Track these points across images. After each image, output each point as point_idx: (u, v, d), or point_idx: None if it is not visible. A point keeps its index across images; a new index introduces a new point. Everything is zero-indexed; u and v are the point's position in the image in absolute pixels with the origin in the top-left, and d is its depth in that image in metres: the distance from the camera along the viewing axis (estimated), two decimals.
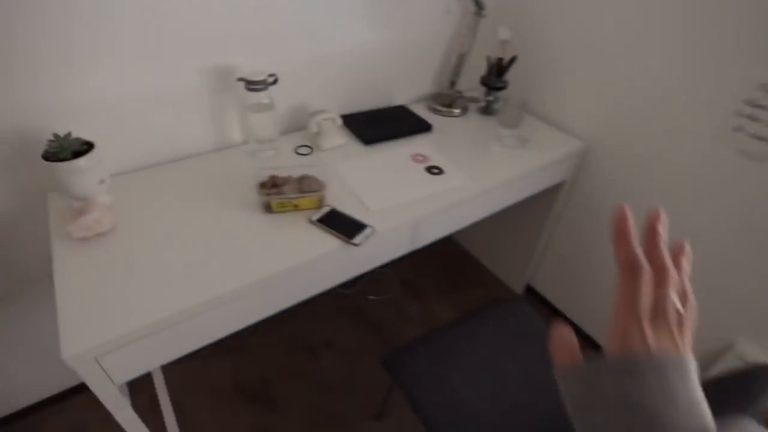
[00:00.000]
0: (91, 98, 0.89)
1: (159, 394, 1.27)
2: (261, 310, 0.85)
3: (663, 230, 0.32)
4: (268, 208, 0.90)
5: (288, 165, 0.97)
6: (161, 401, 1.25)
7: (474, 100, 1.44)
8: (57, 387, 1.27)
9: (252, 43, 1.03)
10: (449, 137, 1.26)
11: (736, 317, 1.15)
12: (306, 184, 0.92)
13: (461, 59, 1.37)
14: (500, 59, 1.33)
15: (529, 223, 1.60)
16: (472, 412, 0.93)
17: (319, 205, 0.92)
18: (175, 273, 0.76)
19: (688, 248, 0.33)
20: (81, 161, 0.82)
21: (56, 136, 0.82)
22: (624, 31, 1.15)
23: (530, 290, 1.77)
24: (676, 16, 1.04)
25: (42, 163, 0.80)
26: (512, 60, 1.33)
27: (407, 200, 0.98)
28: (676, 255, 0.32)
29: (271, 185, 0.91)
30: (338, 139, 1.16)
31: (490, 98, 1.40)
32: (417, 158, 1.14)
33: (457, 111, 1.39)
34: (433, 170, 1.10)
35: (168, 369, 1.36)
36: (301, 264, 0.81)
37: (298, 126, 1.21)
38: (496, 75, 1.35)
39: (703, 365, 1.22)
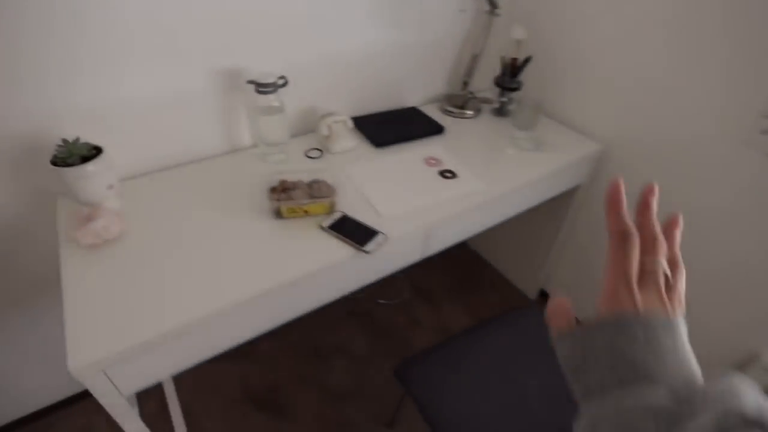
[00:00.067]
0: (101, 102, 0.88)
1: (169, 402, 1.25)
2: (272, 319, 0.83)
3: (654, 203, 0.33)
4: (278, 214, 0.88)
5: (298, 169, 0.95)
6: (171, 409, 1.24)
7: (487, 101, 1.41)
8: (65, 391, 1.27)
9: (262, 44, 1.01)
10: (462, 140, 1.23)
11: (762, 328, 1.10)
12: (317, 189, 0.90)
13: (474, 59, 1.34)
14: (515, 59, 1.30)
15: (543, 227, 1.56)
16: (487, 426, 0.90)
17: (330, 210, 0.90)
18: (184, 282, 0.74)
19: (680, 220, 0.35)
20: (89, 166, 0.80)
21: (65, 141, 0.81)
22: (646, 30, 1.10)
23: (544, 295, 1.73)
24: (703, 15, 0.99)
25: (51, 168, 0.79)
26: (527, 60, 1.29)
27: (420, 206, 0.96)
28: (669, 226, 0.34)
29: (281, 190, 0.89)
30: (349, 141, 1.14)
31: (504, 99, 1.36)
32: (430, 162, 1.11)
33: (470, 112, 1.36)
34: (446, 174, 1.07)
35: (177, 375, 1.35)
36: (311, 273, 0.79)
37: (309, 128, 1.19)
38: (511, 75, 1.32)
39: None
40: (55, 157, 0.80)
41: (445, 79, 1.44)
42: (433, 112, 1.35)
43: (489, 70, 1.36)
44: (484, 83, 1.42)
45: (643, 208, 0.34)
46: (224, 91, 1.02)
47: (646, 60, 1.13)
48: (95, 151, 0.83)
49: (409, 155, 1.13)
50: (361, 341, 1.54)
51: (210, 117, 1.04)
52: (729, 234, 1.09)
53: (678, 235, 0.34)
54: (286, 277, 0.77)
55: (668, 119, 1.13)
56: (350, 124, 1.15)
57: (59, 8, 0.76)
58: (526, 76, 1.32)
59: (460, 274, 1.84)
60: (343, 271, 0.86)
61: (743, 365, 1.14)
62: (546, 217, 1.52)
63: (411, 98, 1.39)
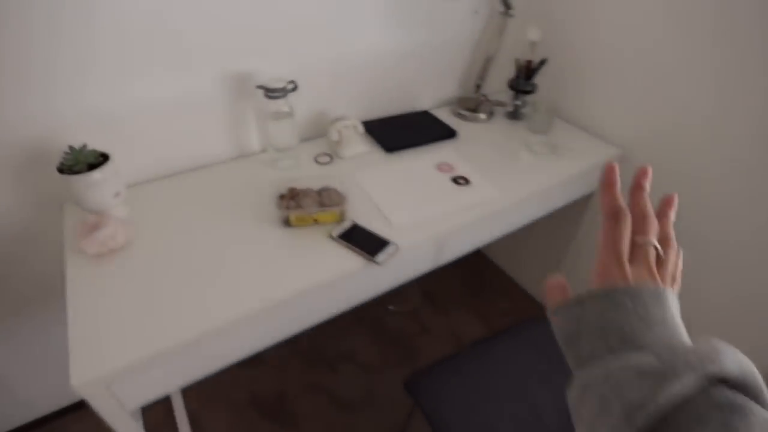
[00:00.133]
0: (108, 107, 0.87)
1: (175, 409, 1.24)
2: (279, 331, 0.81)
3: (647, 185, 0.35)
4: (286, 222, 0.86)
5: (307, 176, 0.93)
6: (177, 416, 1.23)
7: (501, 104, 1.38)
8: (72, 397, 1.27)
9: (271, 47, 0.99)
10: (475, 144, 1.20)
11: None
12: (326, 197, 0.87)
13: (488, 61, 1.30)
14: (529, 61, 1.26)
15: (557, 232, 1.52)
16: None
17: (340, 219, 0.88)
18: (190, 293, 0.72)
19: (675, 200, 0.36)
20: (96, 174, 0.79)
21: (71, 148, 0.79)
22: (670, 30, 1.06)
23: None
24: (732, 11, 0.95)
25: (58, 175, 0.78)
26: (542, 62, 1.26)
27: (432, 214, 0.93)
28: (664, 206, 0.36)
29: (290, 197, 0.87)
30: (360, 146, 1.11)
31: (518, 102, 1.33)
32: (442, 167, 1.08)
33: (482, 116, 1.33)
34: (459, 181, 1.04)
35: None
36: (321, 284, 0.77)
37: (318, 133, 1.17)
38: (525, 78, 1.28)
39: None
40: (61, 164, 0.78)
41: (457, 81, 1.41)
42: (445, 116, 1.32)
43: (502, 73, 1.33)
44: (496, 85, 1.39)
45: (635, 189, 0.35)
46: (233, 96, 1.00)
47: (668, 61, 1.08)
48: (102, 158, 0.82)
49: (421, 161, 1.11)
50: (371, 349, 1.52)
51: (218, 122, 1.02)
52: (754, 249, 1.04)
53: (672, 214, 0.35)
54: (295, 289, 0.74)
55: (691, 123, 1.08)
56: (361, 128, 1.13)
57: (66, 12, 0.74)
58: (540, 78, 1.28)
59: (471, 279, 1.81)
60: (353, 283, 0.84)
61: None
62: (560, 222, 1.48)
63: (423, 101, 1.36)
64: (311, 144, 1.14)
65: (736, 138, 1.01)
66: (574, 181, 1.15)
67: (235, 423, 1.28)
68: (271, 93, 0.94)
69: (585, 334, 0.30)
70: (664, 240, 0.34)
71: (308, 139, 1.16)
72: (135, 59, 0.85)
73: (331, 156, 1.10)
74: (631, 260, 0.32)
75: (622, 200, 0.34)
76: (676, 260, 0.34)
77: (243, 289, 0.73)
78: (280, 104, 0.96)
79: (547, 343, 1.04)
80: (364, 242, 0.83)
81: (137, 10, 0.80)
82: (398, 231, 0.87)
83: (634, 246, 0.33)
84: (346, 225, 0.86)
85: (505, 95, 1.38)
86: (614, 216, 0.33)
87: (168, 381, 0.71)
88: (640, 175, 0.35)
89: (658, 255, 0.33)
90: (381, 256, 0.80)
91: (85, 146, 0.81)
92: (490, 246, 1.87)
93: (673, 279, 0.33)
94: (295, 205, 0.85)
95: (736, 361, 0.25)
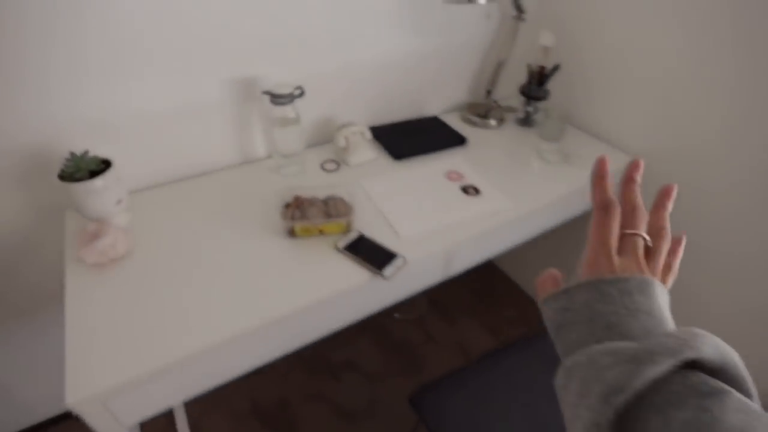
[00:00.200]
0: (111, 112, 0.85)
1: (177, 418, 1.22)
2: (282, 346, 0.78)
3: (638, 177, 0.36)
4: (291, 233, 0.84)
5: (313, 185, 0.91)
6: (179, 425, 1.21)
7: (511, 109, 1.35)
8: None
9: (277, 52, 0.97)
10: (485, 152, 1.17)
11: None
12: (332, 207, 0.85)
13: (499, 66, 1.27)
14: (542, 67, 1.23)
15: (567, 240, 1.49)
16: None
17: (347, 229, 0.85)
18: (191, 306, 0.70)
19: (673, 191, 0.36)
20: (97, 181, 0.77)
21: (72, 154, 0.77)
22: (686, 40, 1.02)
23: None
24: (755, 22, 0.91)
25: (59, 182, 0.76)
26: (555, 68, 1.22)
27: (441, 225, 0.90)
28: (662, 197, 0.36)
29: (296, 207, 0.84)
30: (367, 153, 1.09)
31: (530, 109, 1.30)
32: (451, 176, 1.05)
33: (493, 122, 1.30)
34: (469, 190, 1.01)
35: None
36: (325, 298, 0.74)
37: (325, 139, 1.15)
38: (538, 84, 1.25)
39: None
40: (62, 171, 0.77)
41: (467, 86, 1.38)
42: (455, 121, 1.29)
43: (513, 78, 1.30)
44: (506, 91, 1.35)
45: (626, 181, 0.36)
46: (238, 101, 0.98)
47: (680, 71, 1.05)
48: (104, 165, 0.80)
49: (430, 169, 1.08)
50: (375, 357, 1.49)
51: (223, 128, 1.00)
52: None
53: (669, 205, 0.35)
54: (299, 303, 0.72)
55: (708, 132, 1.04)
56: (368, 135, 1.10)
57: (64, 16, 0.72)
58: (553, 84, 1.25)
59: (478, 287, 1.78)
60: (358, 296, 0.81)
61: None
62: (571, 229, 1.44)
63: (431, 106, 1.33)
64: (317, 150, 1.12)
65: (752, 148, 0.97)
66: (587, 190, 1.12)
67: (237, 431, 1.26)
68: (277, 99, 0.92)
69: (572, 324, 0.31)
70: (657, 231, 0.34)
71: (314, 145, 1.13)
72: (138, 63, 0.83)
73: (337, 163, 1.07)
74: (620, 252, 0.32)
75: (612, 193, 0.34)
76: (667, 251, 0.34)
77: (245, 304, 0.71)
78: (286, 110, 0.94)
79: (555, 357, 1.01)
80: (371, 255, 0.80)
81: (140, 14, 0.78)
82: (406, 243, 0.84)
83: (623, 238, 0.33)
84: (352, 236, 0.84)
85: (516, 101, 1.35)
86: (604, 208, 0.34)
87: (167, 397, 0.69)
88: (632, 168, 0.36)
89: (648, 246, 0.33)
90: (388, 270, 0.78)
91: (86, 153, 0.79)
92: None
93: (668, 268, 0.34)
94: (300, 216, 0.82)
95: (715, 347, 0.26)
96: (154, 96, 0.88)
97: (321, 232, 0.84)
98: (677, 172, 1.13)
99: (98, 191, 0.78)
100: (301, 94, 0.95)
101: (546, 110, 1.29)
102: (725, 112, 1.00)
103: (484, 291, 1.77)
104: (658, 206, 0.35)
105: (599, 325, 0.29)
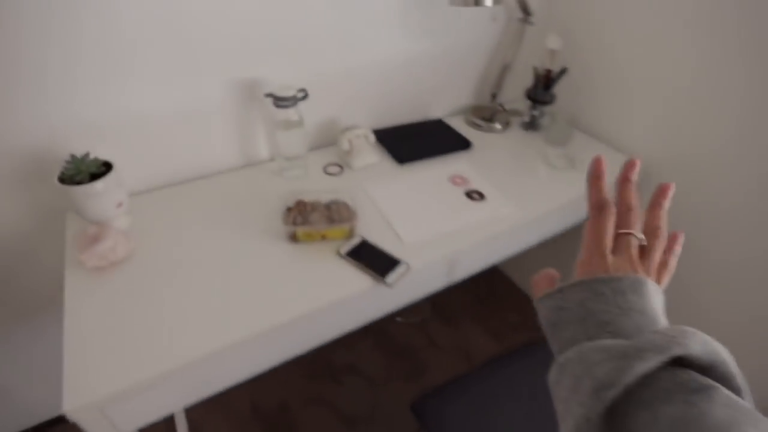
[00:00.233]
0: (112, 114, 0.84)
1: (177, 423, 1.21)
2: (282, 352, 0.78)
3: (634, 177, 0.36)
4: (293, 238, 0.83)
5: (316, 189, 0.90)
6: (179, 429, 1.20)
7: (517, 113, 1.33)
8: None
9: (280, 54, 0.96)
10: (490, 156, 1.16)
11: None
12: (335, 212, 0.84)
13: (505, 70, 1.26)
14: (549, 71, 1.22)
15: (572, 246, 1.47)
16: None
17: (349, 235, 0.84)
18: (191, 312, 0.69)
19: (669, 190, 0.35)
20: (98, 184, 0.76)
21: (73, 157, 0.77)
22: (695, 46, 1.00)
23: None
24: (765, 28, 0.89)
25: (59, 185, 0.75)
26: (563, 71, 1.21)
27: (445, 231, 0.89)
28: (658, 196, 0.35)
29: (298, 211, 0.83)
30: (370, 157, 1.08)
31: (536, 113, 1.28)
32: (456, 180, 1.04)
33: (498, 126, 1.29)
34: (473, 195, 1.00)
35: None
36: (327, 305, 0.73)
37: (328, 141, 1.14)
38: (544, 88, 1.24)
39: None
40: (62, 173, 0.76)
41: (472, 89, 1.36)
42: (459, 125, 1.28)
43: (519, 81, 1.28)
44: (512, 94, 1.34)
45: (622, 181, 0.36)
46: (241, 103, 0.97)
47: (688, 77, 1.03)
48: (105, 168, 0.79)
49: (434, 173, 1.07)
50: (377, 361, 1.48)
51: (226, 130, 0.99)
52: None
53: (665, 204, 0.35)
54: (300, 310, 0.71)
55: (716, 137, 1.02)
56: (372, 138, 1.09)
57: (61, 15, 0.71)
58: (559, 88, 1.23)
59: (481, 292, 1.76)
60: (360, 303, 0.80)
61: None
62: (576, 236, 1.43)
63: (436, 109, 1.32)
64: (321, 153, 1.11)
65: (762, 154, 0.95)
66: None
67: None
68: (280, 102, 0.91)
69: (566, 322, 0.31)
70: (653, 230, 0.34)
71: (318, 148, 1.12)
72: (139, 64, 0.82)
73: (341, 166, 1.06)
74: (615, 251, 0.33)
75: (608, 193, 0.35)
76: (662, 249, 0.34)
77: (246, 310, 0.70)
78: (289, 113, 0.93)
79: None
80: (374, 261, 0.79)
81: (141, 14, 0.77)
82: (409, 249, 0.83)
83: (617, 238, 0.33)
84: (355, 242, 0.83)
85: (521, 104, 1.33)
86: (599, 208, 0.34)
87: (166, 404, 0.69)
88: (628, 167, 0.36)
89: (642, 246, 0.33)
90: (391, 277, 0.77)
91: (87, 155, 0.78)
92: None
93: (664, 266, 0.34)
94: (303, 221, 0.81)
95: (703, 344, 0.26)
96: (156, 98, 0.87)
97: (323, 237, 0.83)
98: (684, 177, 1.12)
99: (99, 194, 0.77)
100: (305, 97, 0.94)
101: (552, 114, 1.28)
102: (734, 118, 0.98)
103: (488, 295, 1.75)
104: (654, 205, 0.35)
105: (592, 324, 0.29)
